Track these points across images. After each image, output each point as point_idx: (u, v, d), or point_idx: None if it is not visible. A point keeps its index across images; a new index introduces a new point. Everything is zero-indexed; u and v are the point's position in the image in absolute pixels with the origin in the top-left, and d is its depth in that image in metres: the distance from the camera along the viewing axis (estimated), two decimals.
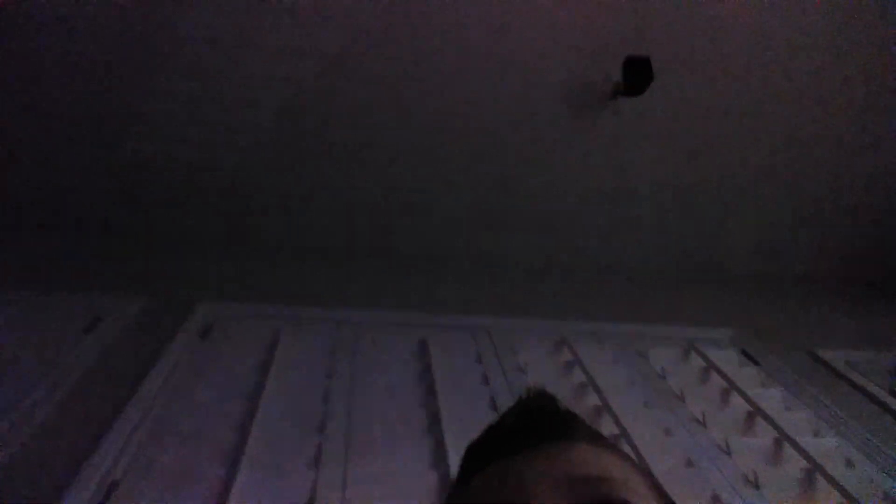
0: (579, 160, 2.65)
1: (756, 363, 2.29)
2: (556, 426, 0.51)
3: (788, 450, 1.80)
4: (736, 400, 2.04)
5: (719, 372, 2.16)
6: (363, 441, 1.66)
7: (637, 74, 2.34)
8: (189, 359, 1.93)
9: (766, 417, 1.92)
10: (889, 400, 2.12)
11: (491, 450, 0.50)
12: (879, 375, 2.31)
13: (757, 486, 1.65)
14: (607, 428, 1.82)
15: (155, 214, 2.58)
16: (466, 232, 2.83)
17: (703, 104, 2.56)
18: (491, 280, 2.74)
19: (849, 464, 1.79)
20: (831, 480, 1.66)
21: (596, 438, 0.53)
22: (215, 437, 1.63)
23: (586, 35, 2.35)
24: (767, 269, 3.13)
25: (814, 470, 1.71)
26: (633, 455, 1.66)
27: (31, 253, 2.42)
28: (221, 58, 2.21)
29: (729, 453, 1.76)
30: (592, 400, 1.95)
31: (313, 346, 2.09)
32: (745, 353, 2.35)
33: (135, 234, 2.57)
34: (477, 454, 0.52)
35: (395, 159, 2.56)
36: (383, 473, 1.56)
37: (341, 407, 1.79)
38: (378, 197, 2.66)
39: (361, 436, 1.68)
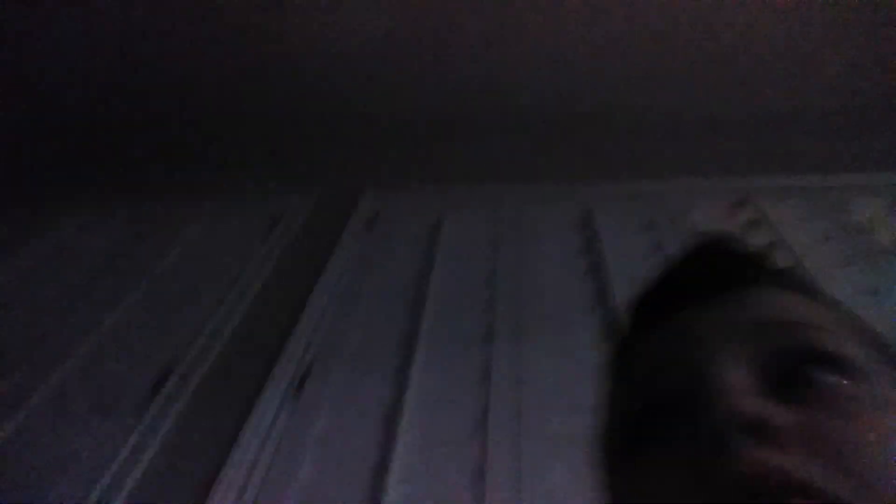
0: None
1: None
2: (744, 271, 0.42)
3: None
4: None
5: None
6: (533, 317, 1.66)
7: None
8: (360, 249, 2.03)
9: None
10: None
11: (667, 301, 0.43)
12: None
13: None
14: None
15: (307, 112, 2.64)
16: (618, 89, 2.59)
17: None
18: (654, 139, 2.52)
19: None
20: None
21: (796, 284, 0.44)
22: (391, 321, 1.72)
23: None
24: None
25: None
26: None
27: (204, 162, 2.62)
28: None
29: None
30: (780, 261, 1.77)
31: (476, 226, 2.09)
32: None
33: (296, 132, 2.68)
34: (652, 305, 0.45)
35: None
36: (555, 348, 1.56)
37: (509, 285, 1.79)
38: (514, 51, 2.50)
39: (530, 312, 1.68)
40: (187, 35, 2.43)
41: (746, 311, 0.38)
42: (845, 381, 0.33)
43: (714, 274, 0.42)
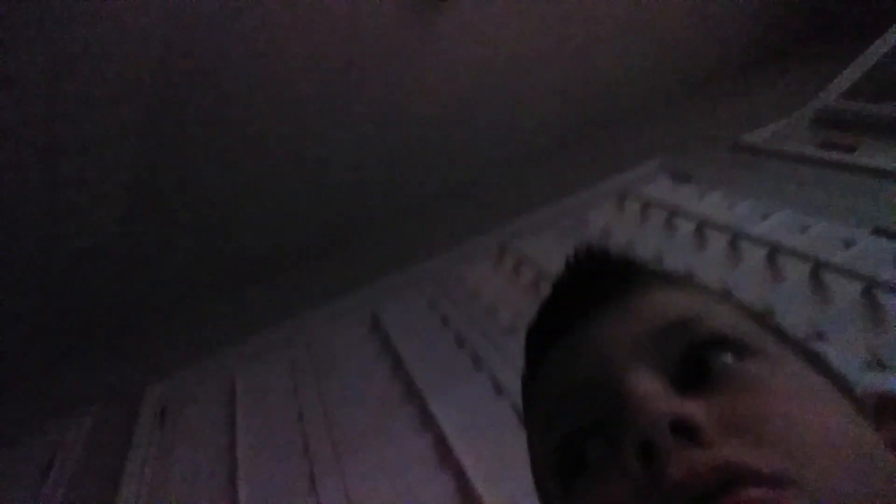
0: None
1: (688, 179, 2.25)
2: (617, 279, 0.43)
3: (745, 244, 1.78)
4: (682, 222, 2.00)
5: (657, 204, 2.12)
6: (350, 437, 1.62)
7: None
8: (157, 444, 1.85)
9: (715, 225, 1.89)
10: (822, 154, 2.08)
11: (553, 326, 0.43)
12: (804, 134, 2.27)
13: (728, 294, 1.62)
14: None
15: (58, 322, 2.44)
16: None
17: None
18: (408, 225, 2.65)
19: (803, 229, 1.77)
20: (792, 252, 1.64)
21: (666, 279, 0.45)
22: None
23: None
24: (666, 83, 3.02)
25: (775, 250, 1.68)
26: None
27: None
28: None
29: (691, 274, 1.73)
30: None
31: (270, 368, 2.02)
32: (674, 176, 2.31)
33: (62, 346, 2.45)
34: (538, 336, 0.45)
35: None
36: (378, 459, 1.51)
37: (319, 419, 1.73)
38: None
39: (347, 433, 1.63)
40: None
41: (635, 319, 0.39)
42: (738, 360, 0.35)
43: (593, 287, 0.43)
